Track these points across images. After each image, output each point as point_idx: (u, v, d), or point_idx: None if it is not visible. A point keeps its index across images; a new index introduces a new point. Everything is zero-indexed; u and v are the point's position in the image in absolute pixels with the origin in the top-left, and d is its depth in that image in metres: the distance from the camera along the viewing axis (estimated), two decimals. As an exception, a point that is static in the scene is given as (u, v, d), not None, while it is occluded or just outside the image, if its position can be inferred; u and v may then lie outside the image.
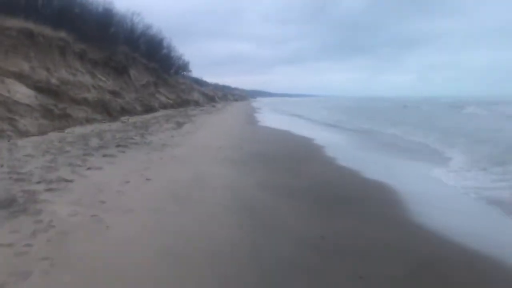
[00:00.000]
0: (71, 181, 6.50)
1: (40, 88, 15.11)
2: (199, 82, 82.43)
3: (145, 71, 38.51)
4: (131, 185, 6.55)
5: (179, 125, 18.39)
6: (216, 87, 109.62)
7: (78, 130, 13.49)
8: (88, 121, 15.99)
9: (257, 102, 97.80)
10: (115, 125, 15.93)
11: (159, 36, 50.17)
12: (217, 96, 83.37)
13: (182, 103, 39.93)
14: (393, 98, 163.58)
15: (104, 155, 9.01)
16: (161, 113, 26.19)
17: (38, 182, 6.25)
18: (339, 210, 6.02)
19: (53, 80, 16.96)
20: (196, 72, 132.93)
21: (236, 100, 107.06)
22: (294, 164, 10.04)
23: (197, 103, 49.73)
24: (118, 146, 10.50)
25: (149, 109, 25.35)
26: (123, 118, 18.50)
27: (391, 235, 4.99)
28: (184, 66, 70.15)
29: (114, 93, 22.14)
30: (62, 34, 20.62)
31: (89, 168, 7.54)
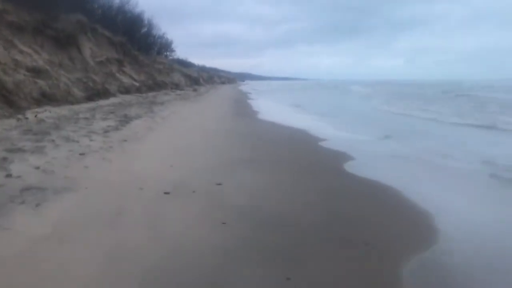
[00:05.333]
0: None
1: None
2: (183, 63, 75.29)
3: (109, 46, 31.10)
4: None
5: (124, 122, 11.36)
6: (203, 69, 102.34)
7: None
8: None
9: (246, 86, 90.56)
10: (-8, 127, 8.81)
11: (138, 12, 43.79)
12: (202, 78, 76.12)
13: (155, 85, 32.65)
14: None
15: None
16: (114, 100, 18.98)
17: None
18: None
19: None
20: (183, 53, 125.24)
21: (223, 82, 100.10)
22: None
23: (176, 86, 42.48)
24: None
25: (97, 94, 18.14)
26: (31, 112, 11.35)
27: None
28: (167, 45, 62.99)
29: (37, 72, 14.88)
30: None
31: None
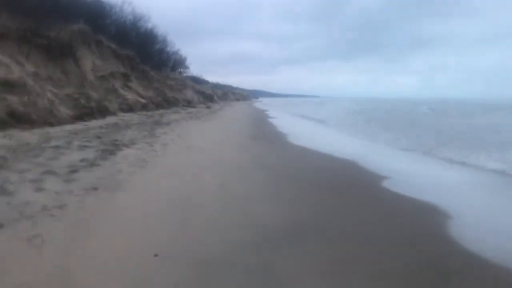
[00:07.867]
0: None
1: None
2: (197, 80, 73.06)
3: (115, 59, 28.35)
4: None
5: (108, 152, 8.12)
6: (217, 86, 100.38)
7: None
8: None
9: (260, 103, 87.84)
10: None
11: (151, 27, 41.93)
12: (217, 95, 73.41)
13: (165, 102, 29.65)
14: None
15: None
16: (111, 119, 15.85)
17: None
18: None
19: None
20: (198, 70, 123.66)
21: (237, 99, 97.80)
22: None
23: (189, 103, 39.55)
24: None
25: (90, 114, 15.05)
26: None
27: None
28: (181, 62, 60.81)
29: (10, 86, 11.85)
30: None
31: None
